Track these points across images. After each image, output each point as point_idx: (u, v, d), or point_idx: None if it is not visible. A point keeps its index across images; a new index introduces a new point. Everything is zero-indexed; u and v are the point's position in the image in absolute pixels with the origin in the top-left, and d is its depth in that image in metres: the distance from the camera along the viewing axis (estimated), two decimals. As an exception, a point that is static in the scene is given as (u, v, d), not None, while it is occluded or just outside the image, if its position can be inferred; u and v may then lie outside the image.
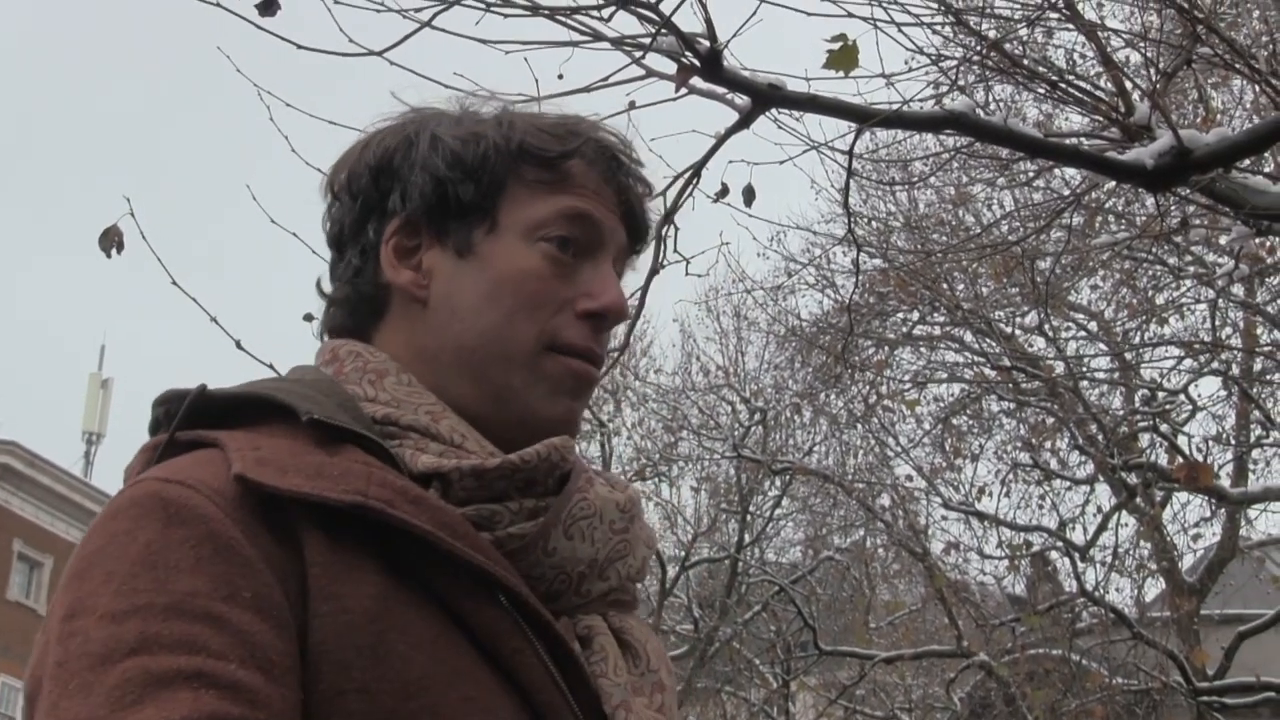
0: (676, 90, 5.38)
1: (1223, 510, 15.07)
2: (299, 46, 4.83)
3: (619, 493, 1.59)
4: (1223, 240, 11.10)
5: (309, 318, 1.73)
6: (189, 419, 1.48)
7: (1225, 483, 14.37)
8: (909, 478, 17.39)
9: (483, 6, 5.16)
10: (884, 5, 6.18)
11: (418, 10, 5.10)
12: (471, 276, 1.60)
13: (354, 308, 1.66)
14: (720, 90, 5.57)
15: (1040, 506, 16.03)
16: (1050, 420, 15.39)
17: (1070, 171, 11.12)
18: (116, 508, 1.36)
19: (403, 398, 1.55)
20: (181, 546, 1.30)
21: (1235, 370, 14.73)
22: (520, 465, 1.50)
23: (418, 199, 1.62)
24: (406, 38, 5.09)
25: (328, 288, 1.72)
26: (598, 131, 1.68)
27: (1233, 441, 15.28)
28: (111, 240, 5.06)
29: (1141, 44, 8.39)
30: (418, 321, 1.61)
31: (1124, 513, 15.05)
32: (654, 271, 6.19)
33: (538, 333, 1.58)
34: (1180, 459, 12.55)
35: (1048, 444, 15.61)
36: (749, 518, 20.20)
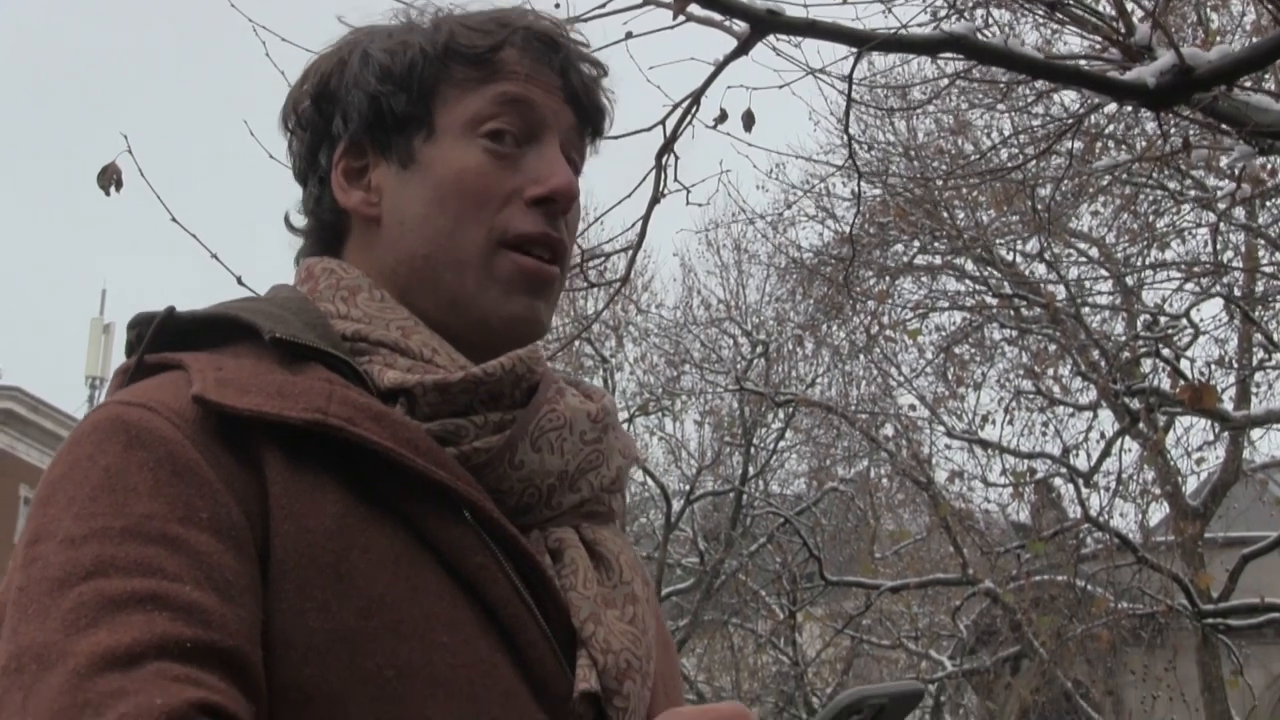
0: (674, 17, 5.37)
1: (1226, 434, 15.07)
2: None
3: (592, 402, 1.57)
4: (1224, 162, 11.04)
5: (288, 222, 1.72)
6: (158, 341, 1.47)
7: (1228, 406, 14.36)
8: (912, 407, 17.43)
9: (477, -64, 5.13)
10: (881, -72, 6.14)
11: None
12: (416, 186, 1.58)
13: (320, 236, 1.66)
14: (718, 17, 5.55)
15: (1043, 434, 16.05)
16: (1052, 347, 15.40)
17: (1070, 96, 11.10)
18: (80, 433, 1.36)
19: (374, 313, 1.53)
20: (141, 469, 1.30)
21: (1237, 293, 14.70)
22: (484, 378, 1.48)
23: (356, 118, 1.60)
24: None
25: (298, 221, 1.72)
26: (528, 19, 1.65)
27: (1235, 365, 15.27)
28: (110, 177, 5.05)
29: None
30: (375, 240, 1.60)
31: (1127, 438, 15.06)
32: (654, 200, 6.19)
33: (487, 230, 1.56)
34: (1183, 383, 12.53)
35: (1050, 371, 15.60)
36: (753, 450, 20.26)
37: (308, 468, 1.35)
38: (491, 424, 1.47)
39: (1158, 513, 16.31)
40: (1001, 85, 10.88)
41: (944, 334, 16.94)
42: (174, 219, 4.96)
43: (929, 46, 6.08)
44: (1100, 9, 8.19)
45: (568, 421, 1.51)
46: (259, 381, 1.38)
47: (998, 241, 15.24)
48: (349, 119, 1.61)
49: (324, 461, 1.35)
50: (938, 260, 16.65)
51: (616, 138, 6.05)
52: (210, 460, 1.32)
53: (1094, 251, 16.17)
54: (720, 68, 5.76)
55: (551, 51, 1.63)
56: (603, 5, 5.51)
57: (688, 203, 7.01)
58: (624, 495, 1.61)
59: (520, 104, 1.60)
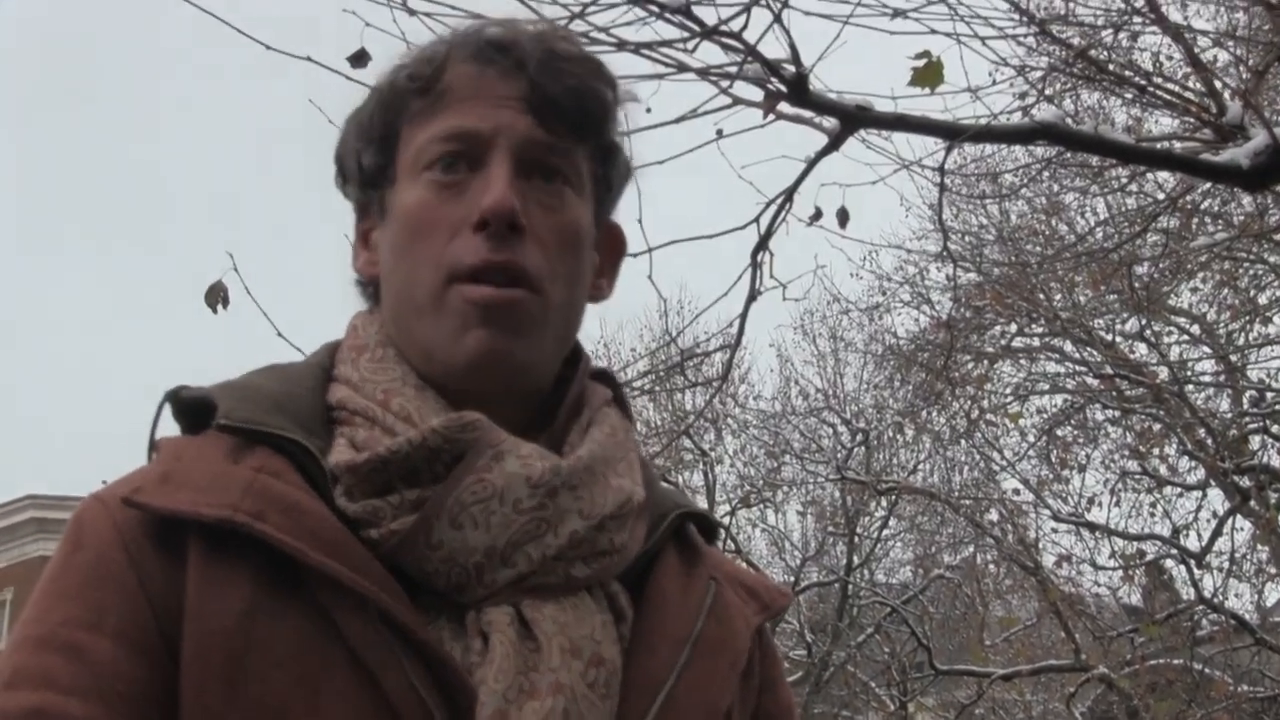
0: (764, 117, 5.39)
1: (1340, 508, 14.79)
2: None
3: (538, 463, 1.42)
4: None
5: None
6: (183, 419, 1.49)
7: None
8: (1016, 491, 17.24)
9: (568, 46, 5.19)
10: (966, 20, 6.16)
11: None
12: (387, 238, 1.55)
13: (367, 296, 1.64)
14: (808, 114, 5.58)
15: (1152, 514, 15.84)
16: (1157, 426, 15.21)
17: (1164, 174, 11.03)
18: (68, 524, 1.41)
19: (369, 375, 1.50)
20: (77, 571, 1.35)
21: (1344, 366, 14.48)
22: (389, 457, 1.40)
23: (354, 182, 1.61)
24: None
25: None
26: (480, 29, 1.54)
27: (1346, 437, 15.02)
28: (217, 296, 5.13)
29: (1230, 42, 8.31)
30: (381, 298, 1.58)
31: (1238, 516, 14.81)
32: (751, 298, 6.20)
33: (435, 267, 1.47)
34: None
35: (1156, 451, 15.40)
36: (856, 539, 20.14)
37: (221, 563, 1.33)
38: (408, 503, 1.38)
39: (1274, 592, 16.04)
40: (1094, 167, 10.84)
41: (1045, 416, 16.81)
42: (280, 334, 5.03)
43: (1020, 136, 6.08)
44: (1191, 85, 8.17)
45: (497, 492, 1.38)
46: (199, 472, 1.38)
47: (1096, 322, 15.12)
48: (348, 183, 1.62)
49: (241, 556, 1.33)
50: (1036, 343, 16.54)
51: (711, 236, 6.11)
52: (135, 560, 1.34)
53: (1195, 329, 16.01)
54: (812, 164, 5.78)
55: (501, 56, 1.52)
56: (695, 109, 5.55)
57: (784, 299, 7.02)
58: (612, 554, 1.46)
59: (458, 134, 1.50)
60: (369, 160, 1.56)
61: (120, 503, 1.36)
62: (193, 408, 1.47)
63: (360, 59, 4.89)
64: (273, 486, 1.36)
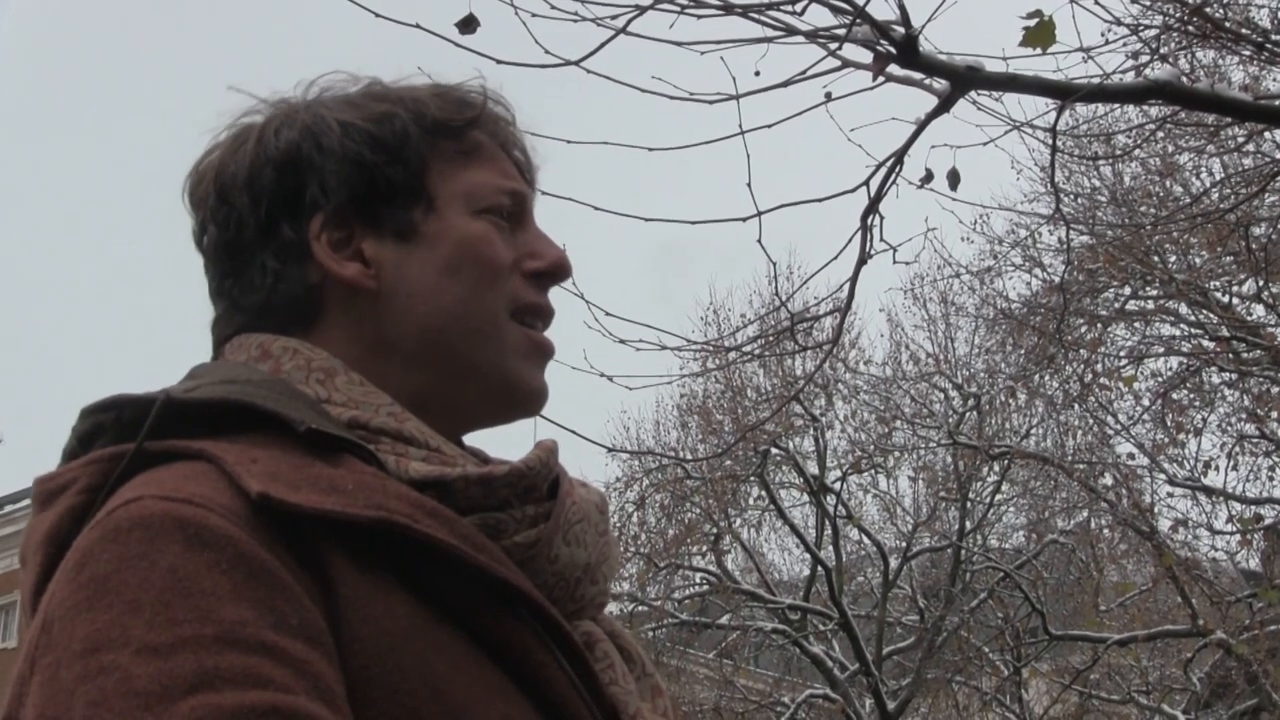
0: (874, 79, 5.38)
1: None
2: (497, 61, 4.91)
3: (593, 493, 1.55)
4: None
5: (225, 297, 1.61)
6: (154, 428, 1.36)
7: None
8: (1131, 456, 17.10)
9: (676, 9, 5.21)
10: (1079, -22, 6.09)
11: (613, 18, 5.17)
12: (421, 258, 1.53)
13: (276, 314, 1.53)
14: (918, 76, 5.55)
15: (1270, 478, 15.66)
16: (1275, 389, 15.00)
17: (1281, 133, 10.85)
18: (115, 529, 1.22)
19: (359, 398, 1.47)
20: (212, 571, 1.18)
21: None
22: (525, 472, 1.44)
23: (342, 189, 1.53)
24: (602, 45, 5.15)
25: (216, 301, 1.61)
26: (484, 97, 1.63)
27: None
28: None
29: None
30: (366, 314, 1.52)
31: (1359, 479, 14.60)
32: (861, 262, 6.19)
33: (497, 300, 1.55)
34: None
35: (1274, 413, 15.20)
36: (969, 505, 20.04)
37: (369, 568, 1.27)
38: (528, 518, 1.43)
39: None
40: (1209, 127, 10.69)
41: (1160, 380, 16.64)
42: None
43: (1134, 95, 6.02)
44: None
45: (584, 514, 1.49)
46: (302, 476, 1.30)
47: (1212, 284, 14.93)
48: (328, 189, 1.53)
49: (381, 561, 1.28)
50: (1150, 305, 16.38)
51: (821, 200, 6.10)
52: (281, 560, 1.23)
53: (1314, 289, 15.76)
54: (922, 126, 5.75)
55: (510, 135, 1.66)
56: (803, 71, 5.54)
57: (894, 261, 7.01)
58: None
59: (516, 190, 1.61)
60: (395, 176, 1.54)
61: (220, 503, 1.24)
62: (218, 411, 1.38)
63: (469, 24, 4.93)
64: (404, 490, 1.34)
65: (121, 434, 1.37)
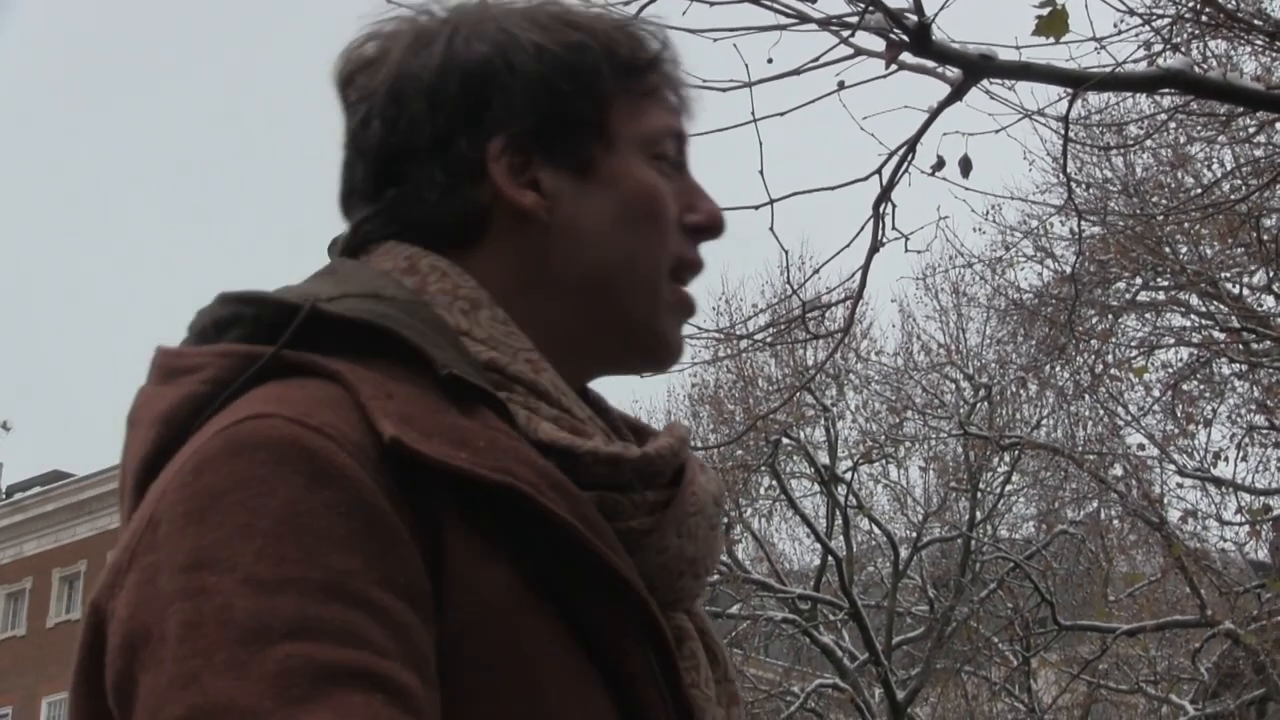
0: (886, 67, 5.42)
1: None
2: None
3: (713, 483, 1.47)
4: None
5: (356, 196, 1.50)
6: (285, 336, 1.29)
7: None
8: (1141, 446, 17.11)
9: (690, -4, 5.25)
10: (1092, -33, 6.11)
11: (625, 3, 5.20)
12: (597, 198, 1.46)
13: (434, 230, 1.45)
14: (930, 64, 5.58)
15: (1279, 469, 15.65)
16: (1286, 380, 15.02)
17: (1293, 124, 10.86)
18: (239, 444, 1.17)
19: (500, 338, 1.39)
20: (330, 512, 1.13)
21: None
22: (655, 459, 1.38)
23: (529, 114, 1.44)
24: (617, 32, 5.18)
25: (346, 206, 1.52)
26: (664, 37, 1.55)
27: None
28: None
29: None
30: (529, 247, 1.45)
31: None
32: (873, 250, 6.23)
33: (663, 257, 1.48)
34: None
35: (1284, 405, 15.22)
36: (979, 495, 20.06)
37: (479, 531, 1.22)
38: (647, 504, 1.36)
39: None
40: (1221, 117, 10.71)
41: (1171, 371, 16.66)
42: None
43: (1146, 84, 6.05)
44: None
45: (701, 506, 1.42)
46: (435, 423, 1.24)
47: (1223, 275, 14.94)
48: (515, 112, 1.44)
49: (492, 526, 1.23)
50: (1161, 296, 16.38)
51: (833, 188, 6.14)
52: (397, 508, 1.17)
53: (1326, 280, 15.77)
54: (934, 115, 5.79)
55: (675, 72, 1.56)
56: (816, 59, 5.58)
57: (906, 250, 7.03)
58: None
59: (683, 134, 1.55)
60: (583, 109, 1.47)
61: (350, 439, 1.19)
62: (359, 333, 1.30)
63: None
64: (532, 456, 1.27)
65: (258, 331, 1.30)
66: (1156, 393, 16.68)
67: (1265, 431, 15.64)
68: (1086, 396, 17.81)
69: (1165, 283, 15.79)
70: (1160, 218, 13.70)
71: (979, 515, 20.03)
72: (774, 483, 21.04)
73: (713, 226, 1.52)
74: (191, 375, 1.29)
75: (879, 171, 6.02)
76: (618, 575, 1.26)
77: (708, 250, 1.57)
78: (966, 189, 6.28)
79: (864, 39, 5.51)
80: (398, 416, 1.21)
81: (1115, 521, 19.30)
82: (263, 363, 1.26)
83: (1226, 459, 15.78)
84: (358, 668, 1.07)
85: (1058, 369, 18.36)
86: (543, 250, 1.44)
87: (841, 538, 20.28)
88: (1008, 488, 21.15)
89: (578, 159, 1.46)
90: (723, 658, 1.44)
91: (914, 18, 5.12)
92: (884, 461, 21.81)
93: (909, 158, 5.97)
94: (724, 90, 5.53)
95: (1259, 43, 8.33)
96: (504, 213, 1.44)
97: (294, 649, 1.06)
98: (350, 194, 1.50)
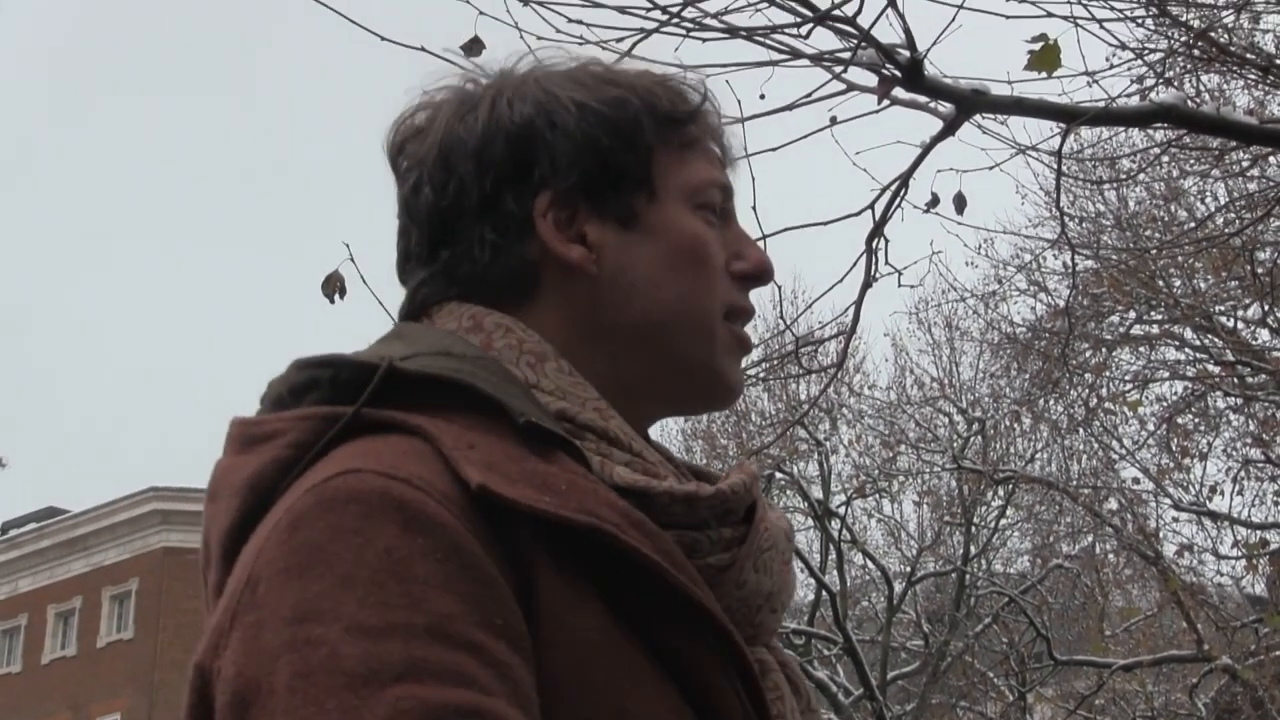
0: (879, 102, 5.38)
1: None
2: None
3: (782, 520, 1.52)
4: None
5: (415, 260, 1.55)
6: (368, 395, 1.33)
7: None
8: (1136, 480, 17.09)
9: (682, 33, 5.20)
10: (1084, 2, 6.09)
11: (618, 40, 5.17)
12: (643, 247, 1.51)
13: (490, 287, 1.50)
14: (922, 99, 5.55)
15: (1276, 503, 15.63)
16: (1281, 414, 15.00)
17: (1286, 158, 10.85)
18: (332, 499, 1.20)
19: (567, 388, 1.44)
20: (427, 559, 1.16)
21: None
22: (729, 496, 1.42)
23: (573, 170, 1.49)
24: (608, 70, 5.15)
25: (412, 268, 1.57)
26: (704, 92, 1.60)
27: None
28: (334, 286, 5.18)
29: (1354, 22, 8.16)
30: (580, 298, 1.49)
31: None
32: (866, 285, 6.18)
33: (714, 302, 1.53)
34: None
35: (1279, 438, 15.18)
36: (973, 529, 20.04)
37: (568, 573, 1.24)
38: (723, 540, 1.40)
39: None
40: (1214, 151, 10.70)
41: (1165, 404, 16.65)
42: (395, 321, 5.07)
43: (1140, 118, 6.01)
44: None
45: (774, 541, 1.46)
46: (517, 469, 1.27)
47: (1217, 308, 14.93)
48: (559, 168, 1.49)
49: (579, 568, 1.25)
50: (1155, 330, 16.37)
51: (826, 223, 6.10)
52: (490, 554, 1.20)
53: (1319, 314, 15.76)
54: (927, 150, 5.75)
55: (722, 128, 1.62)
56: (808, 95, 5.54)
57: (899, 285, 7.00)
58: None
59: (729, 187, 1.60)
60: (627, 162, 1.52)
61: (437, 488, 1.22)
62: (429, 387, 1.34)
63: (474, 47, 4.93)
64: (613, 498, 1.31)
65: (336, 393, 1.35)
66: (1151, 426, 16.69)
67: (1261, 465, 15.61)
68: (1081, 430, 17.78)
69: (1159, 316, 15.79)
70: (1154, 251, 13.70)
71: (973, 550, 20.02)
72: (768, 517, 20.99)
73: (761, 274, 1.59)
74: (273, 441, 1.32)
75: (872, 206, 5.99)
76: (704, 609, 1.29)
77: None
78: (959, 223, 6.28)
79: (856, 74, 5.48)
80: (482, 465, 1.24)
81: (1110, 556, 19.28)
82: (345, 421, 1.30)
83: (1222, 493, 15.78)
84: (468, 706, 1.09)
85: (1051, 403, 18.38)
86: (595, 301, 1.49)
87: (835, 572, 20.22)
88: (1002, 522, 21.18)
89: (622, 211, 1.51)
90: (804, 689, 1.48)
91: (906, 53, 5.08)
92: (878, 496, 21.82)
93: (902, 193, 5.93)
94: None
95: (1252, 77, 8.31)
96: (554, 267, 1.49)
97: (404, 691, 1.08)
98: (406, 259, 1.56)
